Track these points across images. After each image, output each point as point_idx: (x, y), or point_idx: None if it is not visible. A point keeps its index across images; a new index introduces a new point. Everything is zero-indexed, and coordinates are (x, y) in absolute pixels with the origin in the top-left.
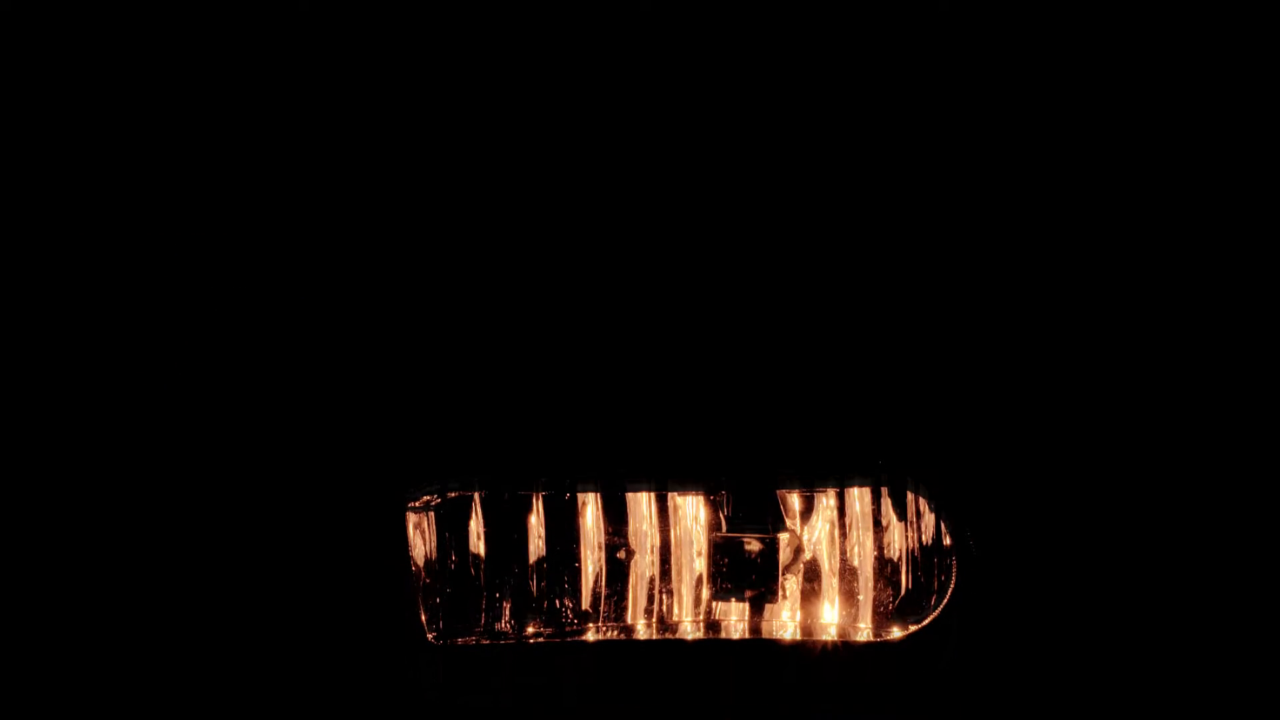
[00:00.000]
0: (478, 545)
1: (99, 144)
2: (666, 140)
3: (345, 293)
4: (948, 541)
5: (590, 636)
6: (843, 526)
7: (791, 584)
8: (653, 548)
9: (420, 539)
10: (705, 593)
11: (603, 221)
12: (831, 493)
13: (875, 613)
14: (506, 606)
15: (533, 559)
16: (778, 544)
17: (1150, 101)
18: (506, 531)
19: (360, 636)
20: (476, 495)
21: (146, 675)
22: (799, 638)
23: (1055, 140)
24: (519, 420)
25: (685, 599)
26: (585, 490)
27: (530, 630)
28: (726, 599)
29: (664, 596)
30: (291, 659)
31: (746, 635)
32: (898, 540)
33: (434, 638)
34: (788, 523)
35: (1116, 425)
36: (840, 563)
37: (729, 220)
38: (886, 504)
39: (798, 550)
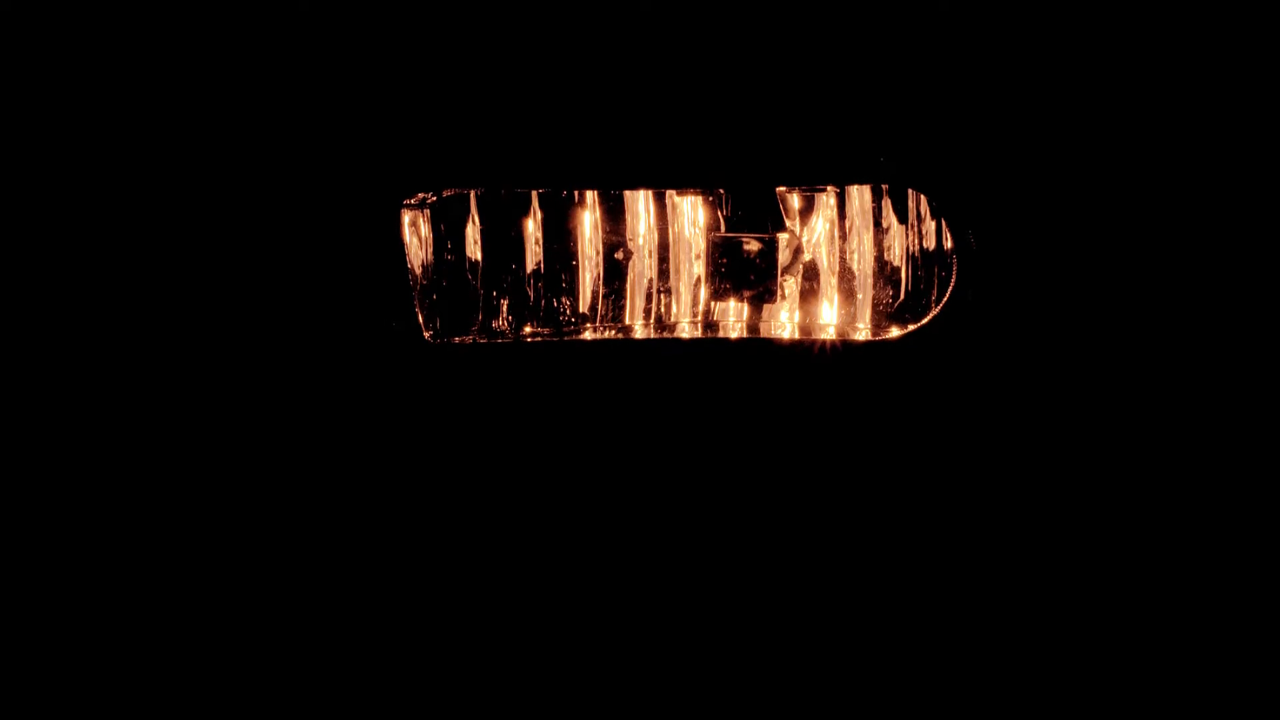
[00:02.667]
0: (474, 244)
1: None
2: None
3: None
4: (948, 243)
5: (588, 336)
6: (842, 227)
7: (790, 284)
8: (651, 249)
9: (416, 237)
10: (704, 293)
11: None
12: (831, 192)
13: (874, 312)
14: (504, 305)
15: (529, 258)
16: (777, 244)
17: None
18: (503, 230)
19: (357, 336)
20: (473, 194)
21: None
22: (797, 337)
23: None
24: (515, 120)
25: (684, 299)
26: (583, 189)
27: (527, 330)
28: (725, 299)
29: (662, 296)
30: (288, 360)
31: (744, 335)
32: (898, 241)
33: (430, 337)
34: (787, 223)
35: (1116, 121)
36: (839, 263)
37: None
38: (887, 204)
39: (797, 250)
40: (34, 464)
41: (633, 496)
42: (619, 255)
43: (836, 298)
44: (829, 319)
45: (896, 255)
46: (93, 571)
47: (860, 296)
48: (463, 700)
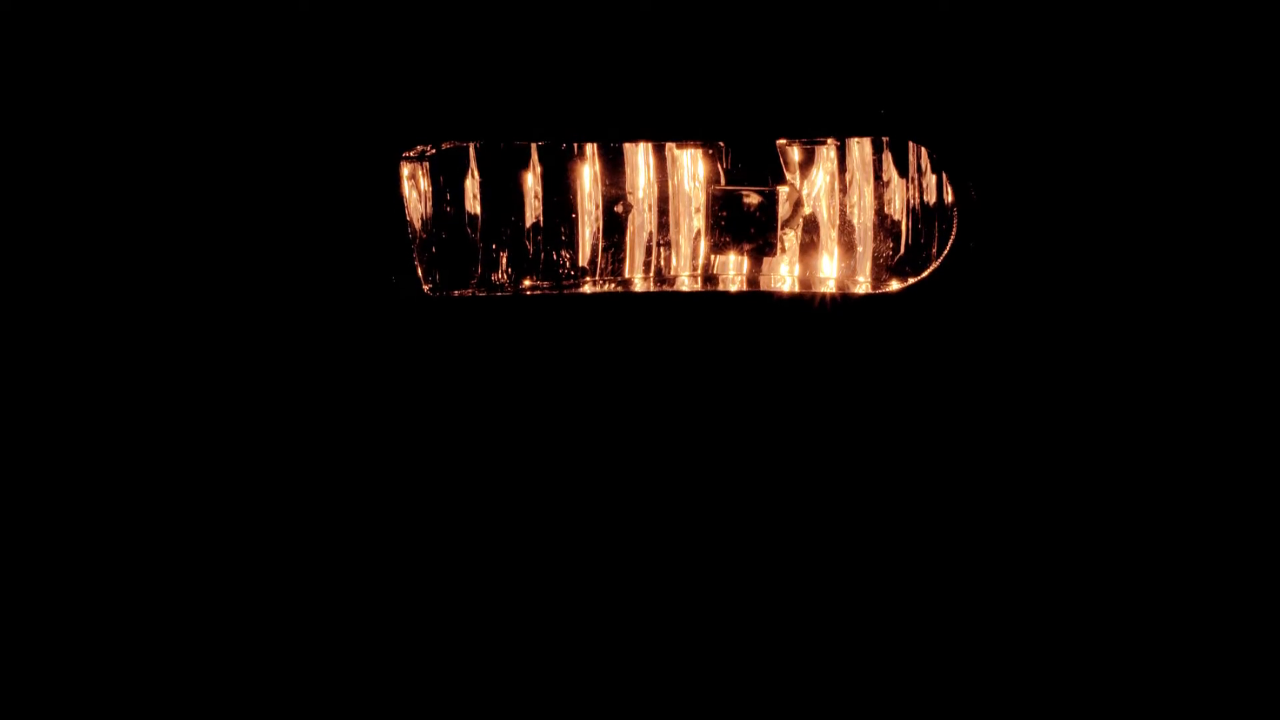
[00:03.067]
0: (473, 197)
1: None
2: None
3: None
4: (949, 196)
5: (587, 289)
6: (843, 180)
7: (790, 237)
8: (650, 202)
9: (415, 190)
10: (703, 246)
11: None
12: (832, 145)
13: (874, 265)
14: (503, 259)
15: (529, 212)
16: (777, 197)
17: None
18: (502, 183)
19: (356, 290)
20: (472, 146)
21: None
22: (797, 290)
23: None
24: (515, 72)
25: (683, 252)
26: (582, 141)
27: (527, 283)
28: (725, 252)
29: (662, 250)
30: (287, 315)
31: (744, 288)
32: (899, 194)
33: (430, 290)
34: (787, 176)
35: (1117, 72)
36: (840, 216)
37: None
38: (888, 157)
39: (797, 204)
40: (28, 419)
41: (632, 449)
42: (619, 208)
43: (836, 251)
44: (829, 272)
45: (897, 208)
46: (78, 510)
47: (860, 250)
48: (452, 667)
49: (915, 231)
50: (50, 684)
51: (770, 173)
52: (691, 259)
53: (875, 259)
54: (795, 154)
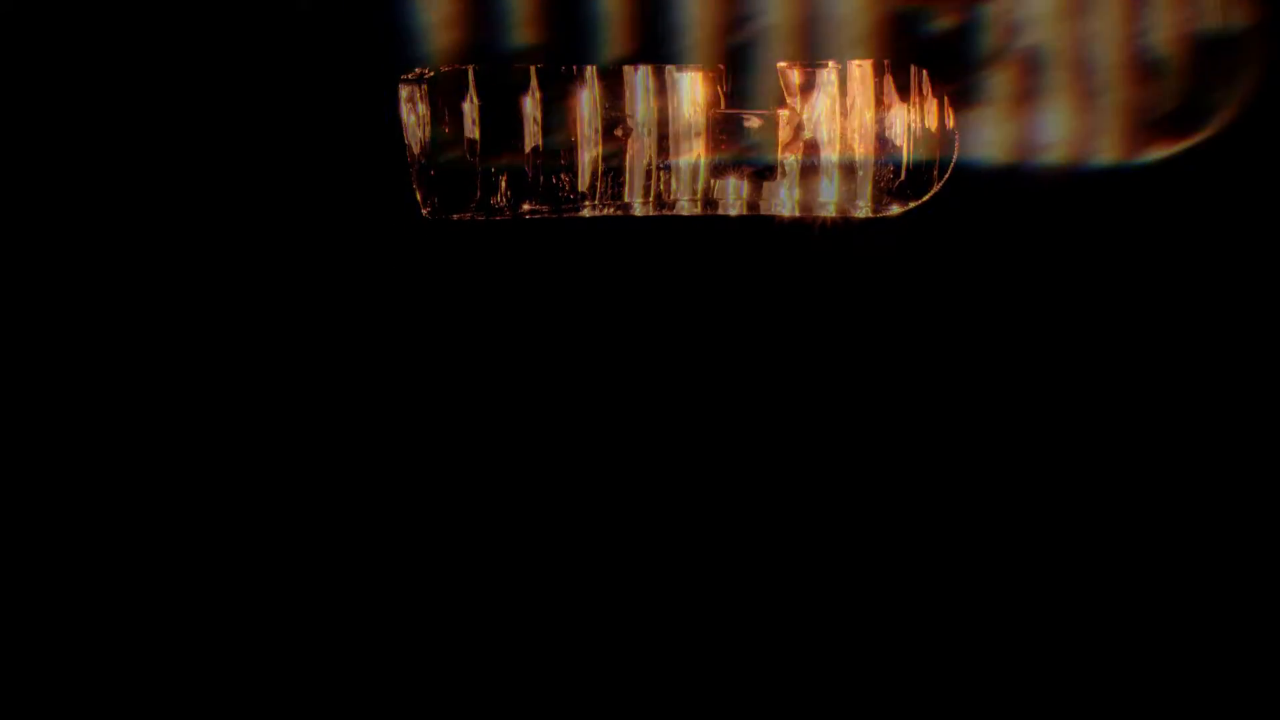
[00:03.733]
0: (472, 121)
1: None
2: None
3: None
4: (950, 120)
5: (586, 213)
6: (843, 104)
7: (790, 161)
8: (650, 126)
9: (413, 114)
10: (703, 170)
11: None
12: (833, 69)
13: (875, 189)
14: (502, 182)
15: (528, 135)
16: (777, 121)
17: None
18: (501, 106)
19: (356, 215)
20: (470, 69)
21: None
22: (797, 214)
23: None
24: None
25: (683, 176)
26: (582, 64)
27: (526, 207)
28: (725, 176)
29: (661, 174)
30: (286, 240)
31: (744, 212)
32: (899, 118)
33: (429, 213)
34: (788, 99)
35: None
36: (840, 140)
37: None
38: (888, 81)
39: (798, 127)
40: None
41: (631, 372)
42: (618, 132)
43: (837, 175)
44: (829, 196)
45: (898, 132)
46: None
47: (861, 174)
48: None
49: (916, 153)
50: (47, 674)
51: (770, 96)
52: (691, 183)
53: (876, 183)
54: (796, 77)
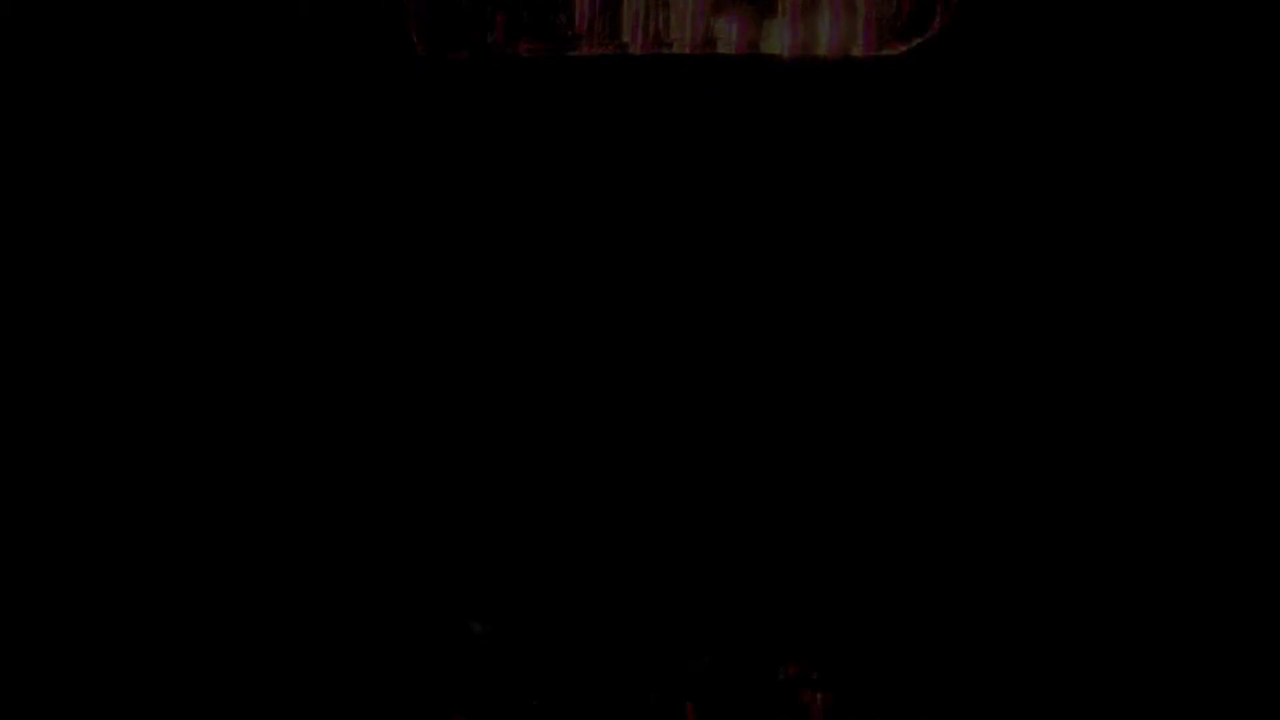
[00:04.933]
0: None
1: None
2: None
3: None
4: None
5: (584, 52)
6: None
7: None
8: None
9: None
10: (703, 7)
11: None
12: None
13: (877, 27)
14: (498, 20)
15: None
16: None
17: None
18: None
19: (352, 53)
20: None
21: None
22: (796, 53)
23: None
24: None
25: (682, 13)
26: None
27: (523, 45)
28: (724, 13)
29: (660, 10)
30: (284, 79)
31: (743, 50)
32: None
33: (424, 52)
34: None
35: None
36: None
37: None
38: None
39: None
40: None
41: (629, 218)
42: None
43: (840, 12)
44: (830, 35)
45: None
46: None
47: (861, 11)
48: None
49: None
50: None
51: None
52: (691, 20)
53: (878, 20)
54: None
